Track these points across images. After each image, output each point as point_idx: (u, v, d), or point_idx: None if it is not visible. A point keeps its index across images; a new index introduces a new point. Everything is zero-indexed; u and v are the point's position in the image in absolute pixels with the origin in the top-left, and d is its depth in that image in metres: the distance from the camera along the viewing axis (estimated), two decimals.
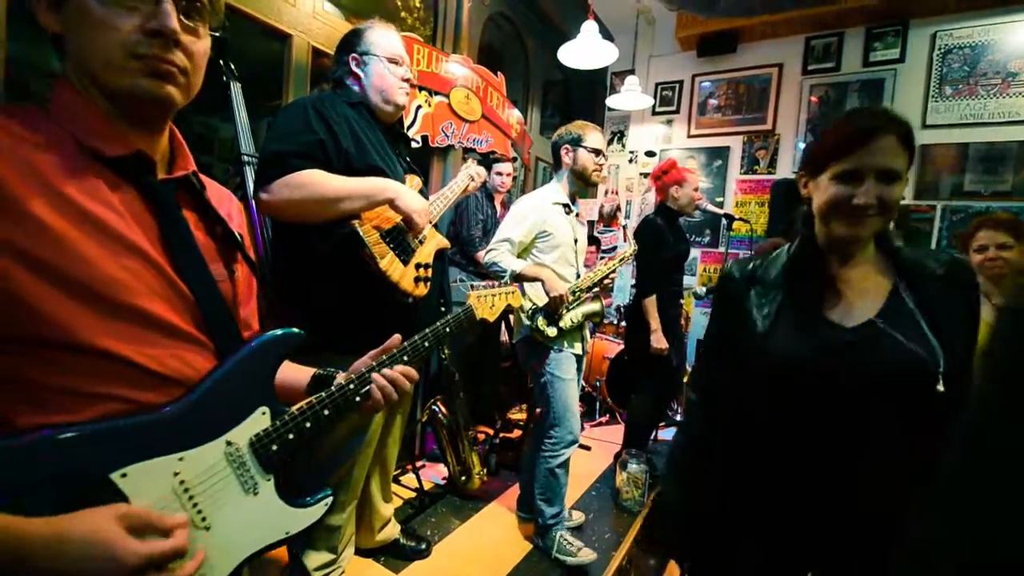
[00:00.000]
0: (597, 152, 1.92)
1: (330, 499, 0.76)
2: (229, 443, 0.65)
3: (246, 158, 1.74)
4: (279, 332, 0.72)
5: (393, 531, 1.81)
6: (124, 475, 0.55)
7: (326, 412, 0.74)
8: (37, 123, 0.57)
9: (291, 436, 0.70)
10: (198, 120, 2.82)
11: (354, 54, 1.42)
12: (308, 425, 0.72)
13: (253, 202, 1.60)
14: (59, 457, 0.53)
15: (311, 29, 2.15)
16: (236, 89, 1.74)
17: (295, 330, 0.73)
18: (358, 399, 0.78)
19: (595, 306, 1.96)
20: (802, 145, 3.91)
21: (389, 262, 1.33)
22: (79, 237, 0.54)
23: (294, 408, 0.72)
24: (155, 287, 0.61)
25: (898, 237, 0.90)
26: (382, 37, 1.41)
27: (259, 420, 0.68)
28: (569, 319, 1.88)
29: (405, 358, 0.85)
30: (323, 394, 0.75)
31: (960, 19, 3.33)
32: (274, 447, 0.69)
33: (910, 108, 3.52)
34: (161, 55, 0.58)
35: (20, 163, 0.53)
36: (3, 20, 1.40)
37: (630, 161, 4.67)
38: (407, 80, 1.44)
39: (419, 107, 2.62)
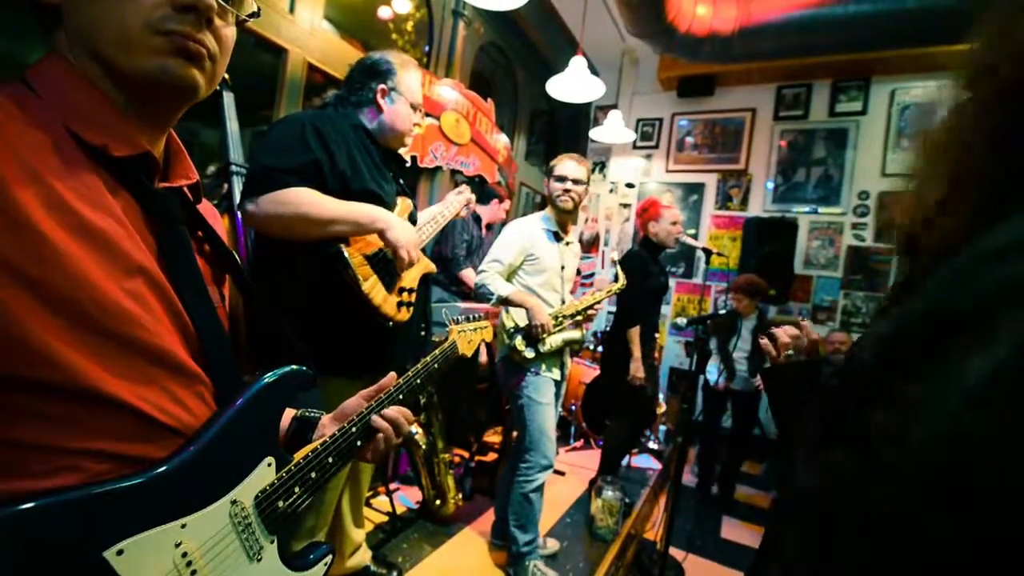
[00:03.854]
0: (561, 178, 1.94)
1: (331, 557, 0.70)
2: (234, 502, 0.56)
3: (234, 168, 1.71)
4: (286, 371, 0.64)
5: (364, 557, 1.75)
6: (120, 552, 0.46)
7: (330, 459, 0.69)
8: (28, 109, 0.46)
9: (297, 489, 0.63)
10: (178, 125, 2.77)
11: (383, 86, 1.42)
12: (314, 475, 0.66)
13: (239, 213, 1.57)
14: (40, 534, 0.43)
15: (308, 45, 2.17)
16: (229, 99, 1.73)
17: (302, 368, 0.66)
18: (359, 443, 0.73)
19: (575, 334, 1.98)
20: (771, 185, 4.12)
21: (372, 285, 1.31)
22: (81, 254, 0.45)
23: (297, 456, 0.65)
24: (160, 316, 0.51)
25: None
26: (413, 82, 1.46)
27: (265, 473, 0.60)
28: (549, 344, 1.90)
29: (400, 396, 0.82)
30: (327, 439, 0.69)
31: (917, 79, 3.62)
32: (280, 503, 0.61)
33: (871, 157, 3.78)
34: (192, 33, 0.50)
35: (14, 157, 0.43)
36: None
37: (610, 191, 4.81)
38: (417, 125, 1.50)
39: None
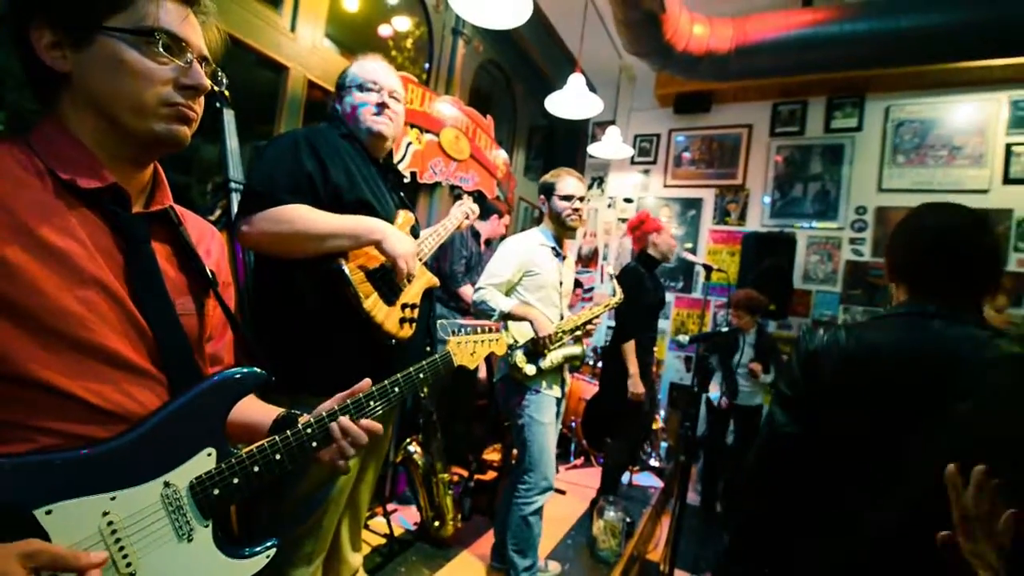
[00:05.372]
0: (568, 197, 1.95)
1: (273, 550, 0.70)
2: (167, 484, 0.62)
3: (233, 185, 1.71)
4: (238, 371, 0.70)
5: None
6: (49, 512, 0.53)
7: (278, 457, 0.70)
8: (16, 157, 0.58)
9: (236, 480, 0.66)
10: None
11: (337, 89, 1.44)
12: (256, 469, 0.68)
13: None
14: None
15: (309, 63, 2.18)
16: (229, 117, 1.72)
17: (256, 370, 0.71)
18: (315, 444, 0.74)
19: (576, 350, 1.96)
20: (768, 200, 4.14)
21: (374, 303, 1.29)
22: (37, 269, 0.55)
23: (243, 451, 0.68)
24: (110, 320, 0.60)
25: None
26: (357, 67, 1.42)
27: (203, 462, 0.65)
28: (550, 360, 1.87)
29: (372, 403, 0.80)
30: (276, 437, 0.71)
31: (911, 96, 3.66)
32: (216, 491, 0.65)
33: (867, 172, 3.81)
34: (191, 104, 0.65)
35: None
36: None
37: (609, 206, 4.82)
38: (382, 104, 1.38)
39: (409, 144, 2.66)
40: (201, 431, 0.66)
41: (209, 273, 0.75)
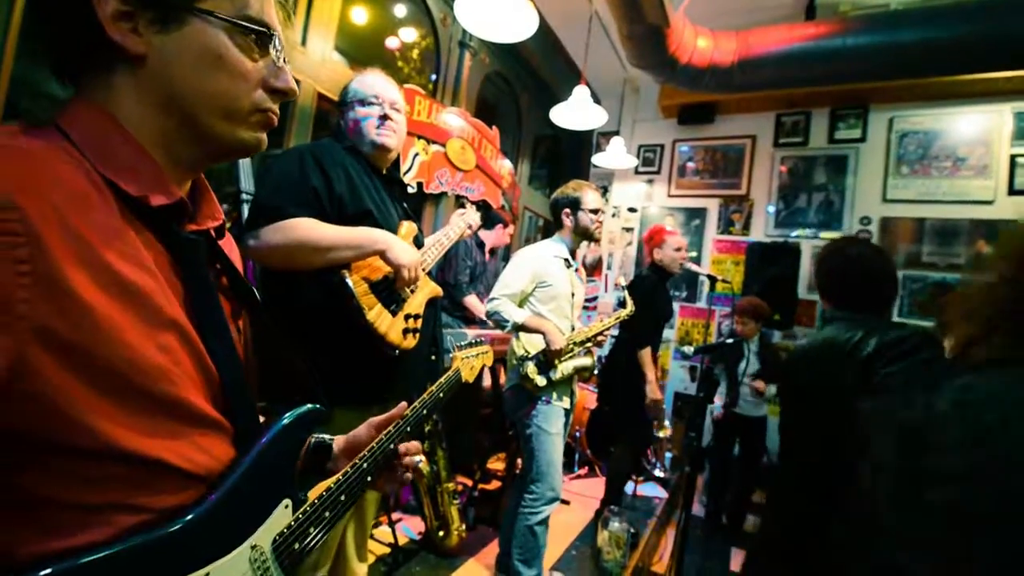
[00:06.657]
0: (596, 211, 2.00)
1: None
2: (254, 547, 0.57)
3: (245, 196, 1.74)
4: (302, 411, 0.65)
5: None
6: None
7: (343, 498, 0.69)
8: (65, 158, 0.45)
9: (312, 530, 0.64)
10: None
11: (339, 105, 1.47)
12: (328, 514, 0.66)
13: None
14: None
15: (319, 76, 2.22)
16: None
17: (316, 406, 0.67)
18: (370, 478, 0.74)
19: (587, 361, 1.97)
20: (772, 210, 4.15)
21: (377, 314, 1.31)
22: (119, 314, 0.44)
23: (312, 496, 0.66)
24: (188, 368, 0.51)
25: None
26: (358, 82, 1.44)
27: (281, 516, 0.61)
28: (560, 371, 1.88)
29: (408, 428, 0.82)
30: (340, 477, 0.70)
31: (914, 107, 3.68)
32: (296, 545, 0.61)
33: (871, 183, 3.81)
34: (276, 110, 0.57)
35: (53, 213, 0.41)
36: (13, 40, 1.41)
37: (613, 215, 4.84)
38: (384, 116, 1.41)
39: (416, 155, 2.69)
40: (276, 482, 0.62)
41: (255, 293, 0.66)
